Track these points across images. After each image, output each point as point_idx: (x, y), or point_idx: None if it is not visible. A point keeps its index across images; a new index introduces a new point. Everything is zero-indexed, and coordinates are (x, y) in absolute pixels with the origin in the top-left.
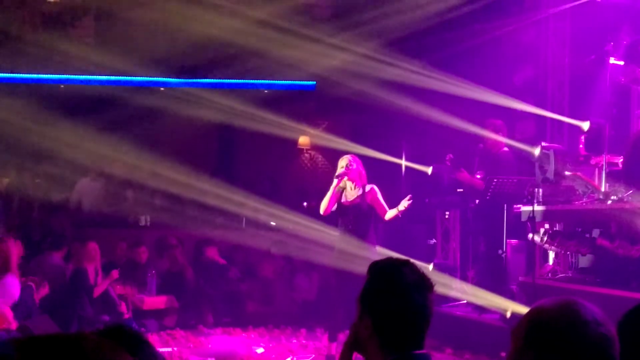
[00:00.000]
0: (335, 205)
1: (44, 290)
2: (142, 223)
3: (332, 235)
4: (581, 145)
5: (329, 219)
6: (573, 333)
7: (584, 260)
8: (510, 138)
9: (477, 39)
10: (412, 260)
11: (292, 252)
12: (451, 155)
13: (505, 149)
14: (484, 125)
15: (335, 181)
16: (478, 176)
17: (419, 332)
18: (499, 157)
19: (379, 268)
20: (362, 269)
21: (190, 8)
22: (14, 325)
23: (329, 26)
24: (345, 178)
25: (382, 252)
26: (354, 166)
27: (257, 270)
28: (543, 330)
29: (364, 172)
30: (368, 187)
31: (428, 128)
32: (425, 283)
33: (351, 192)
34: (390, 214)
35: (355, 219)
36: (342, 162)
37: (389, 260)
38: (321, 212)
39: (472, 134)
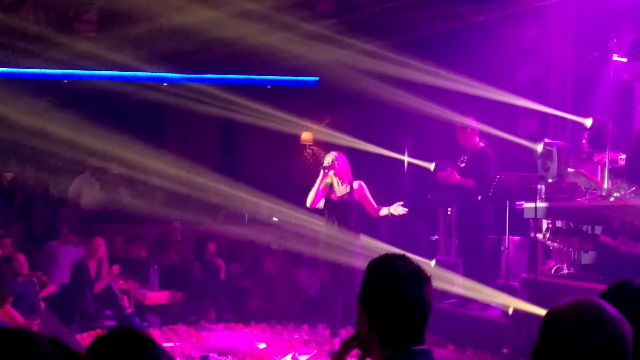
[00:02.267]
0: (323, 200)
1: (50, 289)
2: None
3: (320, 226)
4: (584, 141)
5: (319, 210)
6: (587, 332)
7: (587, 257)
8: (513, 134)
9: (480, 32)
10: (414, 256)
11: (293, 247)
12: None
13: (481, 144)
14: (454, 124)
15: (321, 173)
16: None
17: (417, 326)
18: (473, 154)
19: (373, 264)
20: (350, 259)
21: (194, 3)
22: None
23: (332, 21)
24: (332, 173)
25: (366, 241)
26: (339, 161)
27: (260, 266)
28: (557, 330)
29: (349, 168)
30: (356, 184)
31: (431, 124)
32: (420, 275)
33: (339, 188)
34: (383, 212)
35: (343, 214)
36: (328, 159)
37: (383, 255)
38: (307, 205)
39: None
